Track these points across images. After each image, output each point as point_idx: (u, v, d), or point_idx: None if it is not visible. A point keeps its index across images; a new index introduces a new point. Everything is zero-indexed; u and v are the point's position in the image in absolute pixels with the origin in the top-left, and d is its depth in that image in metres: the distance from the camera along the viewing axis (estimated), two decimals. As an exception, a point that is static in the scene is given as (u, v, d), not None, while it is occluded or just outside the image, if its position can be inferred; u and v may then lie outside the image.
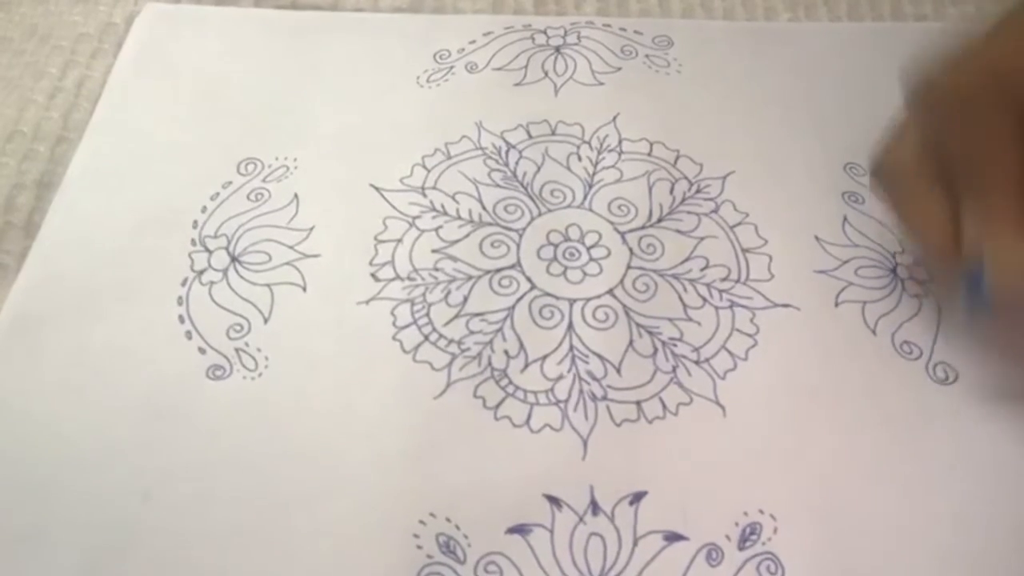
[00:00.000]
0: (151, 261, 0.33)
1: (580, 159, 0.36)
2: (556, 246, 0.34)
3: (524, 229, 0.34)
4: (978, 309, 0.28)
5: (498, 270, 0.33)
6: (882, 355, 0.31)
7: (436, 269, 0.33)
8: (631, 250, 0.33)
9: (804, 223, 0.35)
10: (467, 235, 0.34)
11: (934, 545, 0.28)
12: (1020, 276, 0.27)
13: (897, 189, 0.31)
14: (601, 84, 0.39)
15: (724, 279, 0.33)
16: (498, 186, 0.35)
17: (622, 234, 0.34)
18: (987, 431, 0.30)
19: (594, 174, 0.36)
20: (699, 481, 0.28)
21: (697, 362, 0.31)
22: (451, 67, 0.39)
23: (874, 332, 0.32)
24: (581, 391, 0.30)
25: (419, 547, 0.27)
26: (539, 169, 0.36)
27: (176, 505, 0.28)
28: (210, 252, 0.33)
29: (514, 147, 0.37)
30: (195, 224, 0.34)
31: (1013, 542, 0.28)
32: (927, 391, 0.31)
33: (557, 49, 0.40)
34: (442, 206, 0.35)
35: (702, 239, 0.34)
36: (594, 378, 0.30)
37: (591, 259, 0.33)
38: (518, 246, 0.34)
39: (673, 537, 0.27)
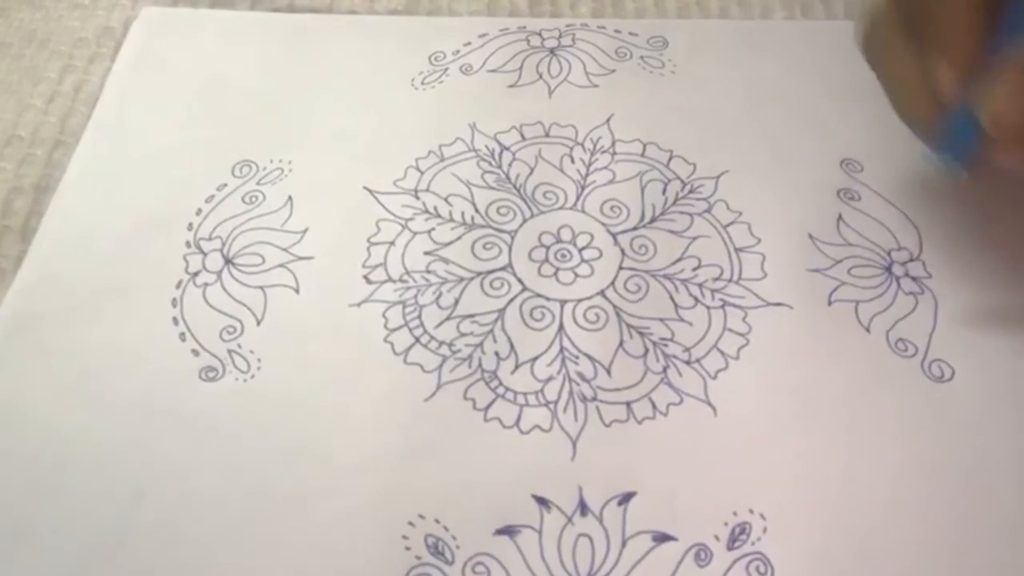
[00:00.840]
0: (146, 263, 0.33)
1: (573, 161, 0.36)
2: (548, 248, 0.34)
3: (516, 231, 0.34)
4: (961, 153, 0.30)
5: (490, 272, 0.33)
6: (876, 353, 0.31)
7: (428, 271, 0.33)
8: (623, 251, 0.34)
9: (798, 222, 0.35)
10: (459, 237, 0.34)
11: (927, 544, 0.27)
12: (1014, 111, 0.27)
13: (875, 48, 0.32)
14: (595, 86, 0.39)
15: (717, 279, 0.33)
16: (491, 188, 0.35)
17: (614, 235, 0.34)
18: (983, 429, 0.30)
19: (587, 175, 0.36)
20: (689, 481, 0.28)
21: (688, 362, 0.31)
22: (446, 69, 0.40)
23: (868, 330, 0.32)
24: (571, 392, 0.30)
25: (408, 548, 0.27)
26: (532, 171, 0.36)
27: (169, 505, 0.28)
28: (205, 254, 0.33)
29: (507, 149, 0.37)
30: (190, 226, 0.34)
31: (1009, 540, 0.28)
32: (922, 389, 0.31)
33: (552, 51, 0.40)
34: (435, 208, 0.35)
35: (695, 239, 0.34)
36: (584, 379, 0.30)
37: (583, 260, 0.33)
38: (510, 248, 0.34)
39: (662, 537, 0.27)
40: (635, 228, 0.34)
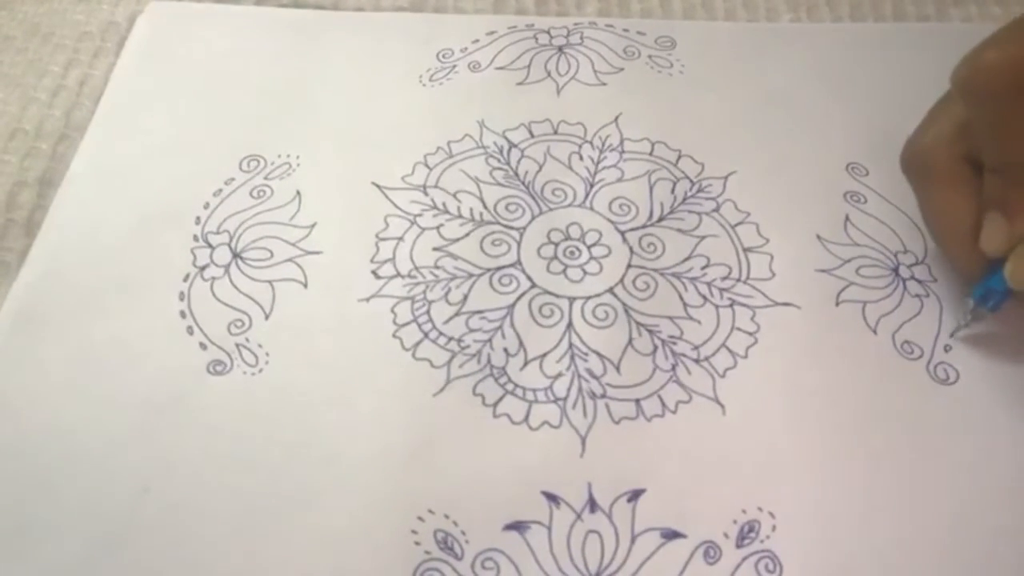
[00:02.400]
0: (153, 257, 0.33)
1: (582, 158, 0.36)
2: (556, 245, 0.34)
3: (525, 228, 0.34)
4: (988, 302, 0.31)
5: (498, 268, 0.33)
6: (882, 355, 0.31)
7: (437, 267, 0.33)
8: (631, 249, 0.34)
9: (805, 222, 0.35)
10: (468, 233, 0.34)
11: (933, 544, 0.28)
12: None
13: (924, 175, 0.32)
14: (603, 84, 0.39)
15: (725, 278, 0.33)
16: (499, 185, 0.35)
17: (622, 233, 0.34)
18: (987, 431, 0.30)
19: (595, 173, 0.36)
20: (697, 479, 0.28)
21: (697, 360, 0.31)
22: (454, 66, 0.39)
23: (875, 332, 0.32)
24: (580, 389, 0.30)
25: (417, 543, 0.27)
26: (541, 168, 0.36)
27: (175, 499, 0.28)
28: (212, 248, 0.33)
29: (516, 146, 0.37)
30: (198, 220, 0.34)
31: (1012, 542, 0.28)
32: (927, 391, 0.31)
33: (560, 49, 0.40)
34: (443, 204, 0.35)
35: (703, 238, 0.34)
36: (593, 376, 0.30)
37: (591, 258, 0.33)
38: (519, 244, 0.34)
39: (671, 535, 0.27)
40: (644, 226, 0.34)
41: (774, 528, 0.27)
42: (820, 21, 0.43)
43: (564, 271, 0.33)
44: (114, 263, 0.33)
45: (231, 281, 0.32)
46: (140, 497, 0.28)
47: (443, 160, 0.36)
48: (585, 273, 0.33)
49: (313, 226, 0.34)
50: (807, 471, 0.29)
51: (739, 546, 0.27)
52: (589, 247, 0.34)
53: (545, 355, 0.31)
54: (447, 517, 0.27)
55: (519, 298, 0.32)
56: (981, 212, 0.30)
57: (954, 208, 0.31)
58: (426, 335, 0.31)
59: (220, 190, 0.35)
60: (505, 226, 0.34)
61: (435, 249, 0.33)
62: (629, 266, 0.33)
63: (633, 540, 0.27)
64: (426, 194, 0.35)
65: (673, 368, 0.31)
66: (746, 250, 0.34)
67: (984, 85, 0.28)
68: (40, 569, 0.27)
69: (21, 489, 0.28)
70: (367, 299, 0.32)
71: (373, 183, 0.35)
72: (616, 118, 0.38)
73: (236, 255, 0.33)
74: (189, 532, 0.27)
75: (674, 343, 0.31)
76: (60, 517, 0.27)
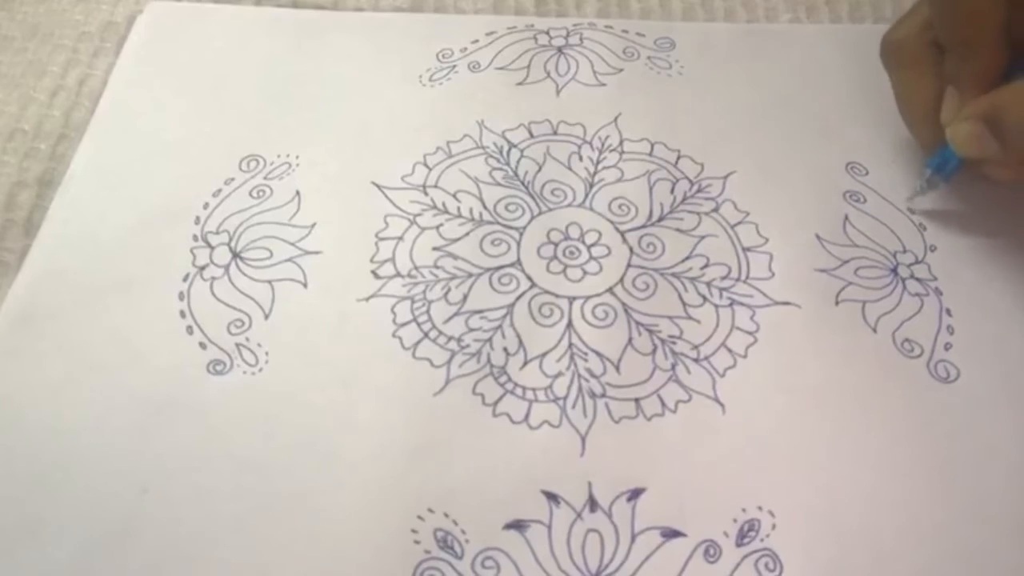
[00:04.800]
0: (153, 257, 0.33)
1: (581, 159, 0.36)
2: (556, 244, 0.34)
3: (525, 227, 0.34)
4: (944, 166, 0.34)
5: (498, 268, 0.33)
6: (882, 353, 0.31)
7: (436, 267, 0.33)
8: (631, 249, 0.34)
9: (805, 222, 0.35)
10: (468, 233, 0.34)
11: (933, 542, 0.28)
12: (971, 147, 0.32)
13: (897, 62, 0.35)
14: (603, 85, 0.39)
15: (724, 277, 0.33)
16: (499, 185, 0.35)
17: (622, 233, 0.34)
18: (988, 429, 0.30)
19: (595, 173, 0.36)
20: (697, 478, 0.28)
21: (696, 360, 0.31)
22: (453, 66, 0.40)
23: (874, 330, 0.32)
24: (580, 388, 0.30)
25: (417, 542, 0.27)
26: (540, 168, 0.36)
27: (174, 499, 0.28)
28: (212, 248, 0.33)
29: (515, 146, 0.37)
30: (197, 220, 0.34)
31: (1013, 540, 0.28)
32: (928, 389, 0.31)
33: (559, 50, 0.40)
34: (443, 204, 0.35)
35: (702, 238, 0.34)
36: (593, 375, 0.30)
37: (591, 257, 0.33)
38: (518, 244, 0.34)
39: (671, 533, 0.27)
40: (643, 226, 0.34)
41: (774, 527, 0.27)
42: (819, 22, 0.43)
43: (564, 271, 0.33)
44: (114, 263, 0.33)
45: (231, 281, 0.32)
46: (139, 497, 0.28)
47: (443, 160, 0.36)
48: (585, 273, 0.33)
49: (313, 226, 0.34)
50: (807, 470, 0.29)
51: (739, 545, 0.27)
52: (589, 247, 0.34)
53: (545, 354, 0.31)
54: (447, 516, 0.27)
55: (519, 298, 0.32)
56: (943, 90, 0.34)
57: (919, 87, 0.34)
58: (426, 335, 0.31)
59: (220, 190, 0.35)
60: (505, 226, 0.34)
61: (435, 249, 0.33)
62: (629, 266, 0.33)
63: (633, 539, 0.27)
64: (426, 194, 0.35)
65: (673, 367, 0.31)
66: (746, 250, 0.34)
67: None
68: (38, 569, 0.27)
69: (20, 488, 0.28)
70: (367, 299, 0.32)
71: (373, 183, 0.35)
72: (615, 118, 0.38)
73: (236, 255, 0.33)
74: (189, 532, 0.27)
75: (674, 343, 0.31)
76: (59, 517, 0.27)
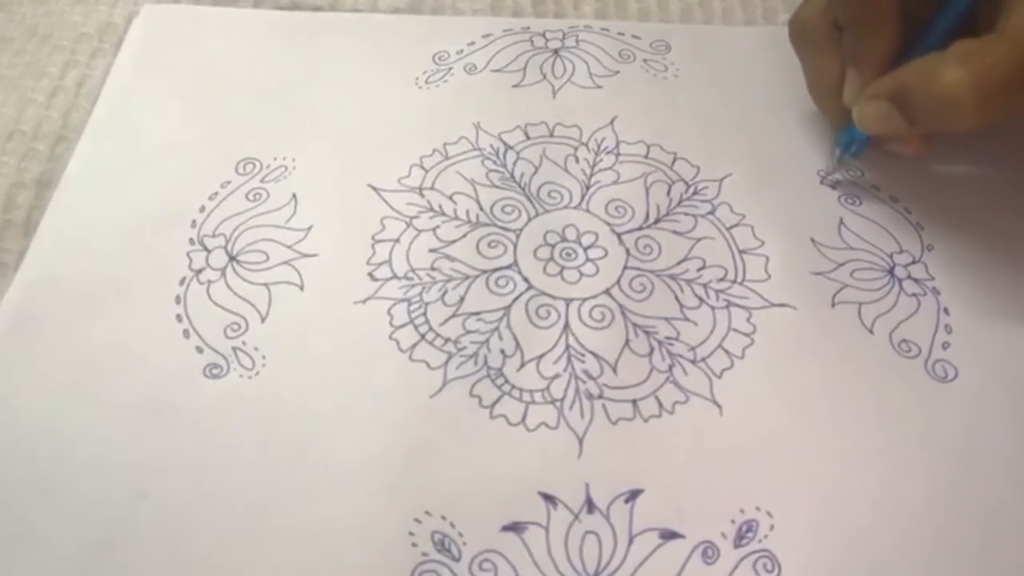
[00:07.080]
0: (149, 260, 0.33)
1: (578, 161, 0.36)
2: (553, 246, 0.34)
3: (521, 229, 0.34)
4: (851, 148, 0.35)
5: (495, 270, 0.33)
6: (880, 354, 0.31)
7: (433, 269, 0.33)
8: (628, 251, 0.34)
9: (800, 226, 0.35)
10: (464, 235, 0.34)
11: (932, 542, 0.28)
12: (879, 126, 0.33)
13: (802, 42, 0.36)
14: (599, 87, 0.39)
15: (721, 279, 0.33)
16: (495, 187, 0.35)
17: (619, 235, 0.34)
18: (987, 428, 0.30)
19: (591, 175, 0.36)
20: (695, 479, 0.28)
21: (694, 361, 0.31)
22: (450, 68, 0.40)
23: (871, 331, 0.32)
24: (577, 390, 0.30)
25: (414, 545, 0.27)
26: (537, 170, 0.36)
27: (171, 503, 0.28)
28: (208, 251, 0.33)
29: (512, 148, 0.37)
30: (193, 223, 0.34)
31: (1011, 539, 0.28)
32: (926, 389, 0.31)
33: (556, 52, 0.40)
34: (440, 206, 0.35)
35: (699, 240, 0.34)
36: (590, 377, 0.30)
37: (588, 259, 0.33)
38: (515, 246, 0.34)
39: (669, 535, 0.27)
40: (640, 228, 0.34)
41: (772, 528, 0.27)
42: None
43: (561, 272, 0.33)
44: (110, 265, 0.33)
45: (227, 284, 0.32)
46: (136, 501, 0.28)
47: (439, 162, 0.36)
48: (582, 275, 0.33)
49: (309, 229, 0.34)
50: (805, 470, 0.29)
51: (737, 546, 0.27)
52: (585, 249, 0.34)
53: (542, 356, 0.31)
54: (444, 518, 0.27)
55: (516, 299, 0.32)
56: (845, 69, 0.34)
57: (824, 67, 0.35)
58: (423, 337, 0.31)
59: (216, 193, 0.35)
60: (501, 228, 0.34)
61: (431, 251, 0.33)
62: (625, 267, 0.33)
63: (631, 541, 0.27)
64: (422, 196, 0.35)
65: (670, 369, 0.31)
66: (742, 252, 0.34)
67: None
68: (35, 574, 0.26)
69: (16, 493, 0.28)
70: (363, 301, 0.32)
71: (369, 185, 0.35)
72: (612, 121, 0.38)
73: (232, 258, 0.33)
74: (185, 537, 0.27)
75: (671, 344, 0.31)
76: (56, 521, 0.27)
